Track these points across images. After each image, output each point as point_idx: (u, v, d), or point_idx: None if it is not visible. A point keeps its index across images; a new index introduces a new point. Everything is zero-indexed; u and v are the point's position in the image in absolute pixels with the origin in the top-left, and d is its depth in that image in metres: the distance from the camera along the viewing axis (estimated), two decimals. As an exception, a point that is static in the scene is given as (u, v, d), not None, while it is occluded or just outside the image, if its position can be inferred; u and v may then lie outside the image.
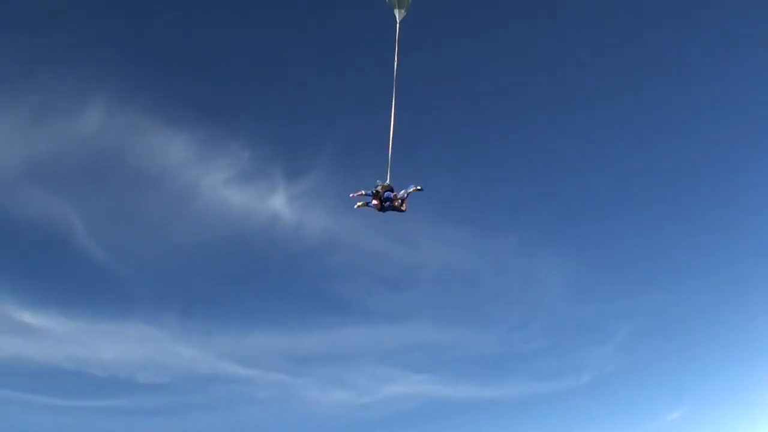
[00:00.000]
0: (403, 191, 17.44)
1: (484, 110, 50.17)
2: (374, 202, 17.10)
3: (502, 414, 43.59)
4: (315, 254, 45.15)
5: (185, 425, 40.76)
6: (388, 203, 17.24)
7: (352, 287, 46.39)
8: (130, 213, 43.99)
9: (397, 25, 17.52)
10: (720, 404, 42.42)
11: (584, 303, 47.42)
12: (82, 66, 41.49)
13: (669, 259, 48.33)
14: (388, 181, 17.45)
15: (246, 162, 43.33)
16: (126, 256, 43.30)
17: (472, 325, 46.09)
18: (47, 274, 42.81)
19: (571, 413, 43.52)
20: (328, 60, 46.90)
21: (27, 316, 39.23)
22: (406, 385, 43.23)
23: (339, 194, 47.39)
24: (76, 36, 42.48)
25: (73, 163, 42.09)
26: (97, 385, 39.55)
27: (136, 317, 42.30)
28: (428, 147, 49.85)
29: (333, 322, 44.82)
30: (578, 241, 49.54)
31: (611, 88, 49.52)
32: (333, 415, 42.37)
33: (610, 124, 49.43)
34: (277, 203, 43.56)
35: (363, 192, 17.30)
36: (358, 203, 17.35)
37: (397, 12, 17.49)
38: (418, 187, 17.57)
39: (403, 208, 17.36)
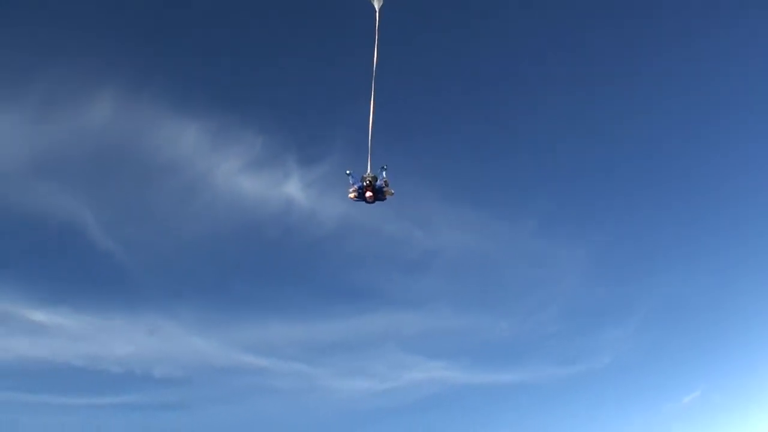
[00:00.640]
0: (381, 180, 18.02)
1: (503, 92, 50.00)
2: (368, 194, 17.69)
3: (521, 398, 43.62)
4: (331, 241, 44.81)
5: (203, 418, 40.96)
6: (379, 194, 17.86)
7: (369, 273, 46.42)
8: (142, 205, 43.81)
9: (377, 13, 17.78)
10: (735, 386, 42.55)
11: (602, 286, 47.47)
12: (89, 57, 41.01)
13: (686, 242, 48.28)
14: (369, 171, 18.01)
15: (259, 149, 42.85)
16: (138, 249, 43.17)
17: (490, 309, 46.14)
18: (58, 270, 42.74)
19: (588, 397, 43.66)
20: (340, 45, 46.28)
21: (38, 315, 39.15)
22: (425, 372, 43.19)
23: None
24: (82, 27, 41.92)
25: (83, 156, 41.75)
26: (112, 382, 39.50)
27: (151, 311, 42.25)
28: (447, 130, 50.16)
29: (350, 310, 44.83)
30: (596, 224, 49.55)
31: (629, 71, 49.10)
32: (352, 403, 42.31)
33: (630, 107, 49.22)
34: (291, 190, 43.16)
35: (356, 188, 17.87)
36: (352, 195, 18.06)
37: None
38: (384, 167, 18.17)
39: (391, 192, 17.99)
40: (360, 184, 17.86)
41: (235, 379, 41.98)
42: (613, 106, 49.40)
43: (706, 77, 47.01)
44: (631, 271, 47.58)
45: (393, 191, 18.09)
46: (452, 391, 43.35)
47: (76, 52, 40.96)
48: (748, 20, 44.96)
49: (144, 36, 43.91)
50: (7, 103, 39.50)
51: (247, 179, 42.70)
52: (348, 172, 18.74)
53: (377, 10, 17.84)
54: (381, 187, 17.91)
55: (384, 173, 18.16)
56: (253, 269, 46.04)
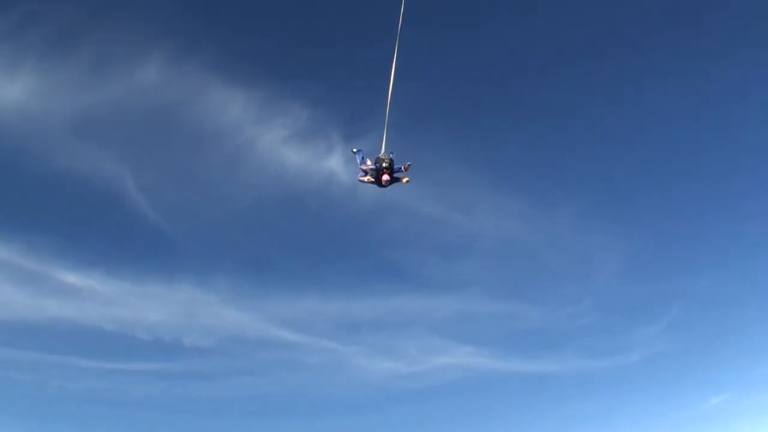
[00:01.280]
0: (398, 164, 16.68)
1: (551, 81, 48.85)
2: (384, 177, 16.33)
3: (549, 389, 43.02)
4: (369, 219, 44.12)
5: (230, 389, 40.69)
6: (395, 179, 16.63)
7: (405, 254, 45.60)
8: (184, 171, 43.50)
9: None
10: (764, 390, 41.94)
11: (636, 282, 46.32)
12: (139, 19, 40.37)
13: (721, 244, 47.49)
14: (383, 152, 16.73)
15: (304, 122, 42.25)
16: (177, 216, 42.90)
17: (523, 298, 45.24)
18: (95, 233, 42.94)
19: (615, 392, 43.12)
20: (389, 22, 45.67)
21: (71, 277, 38.92)
22: (455, 357, 42.55)
23: (397, 158, 47.64)
24: None
25: (128, 119, 41.39)
26: (141, 348, 39.39)
27: (186, 279, 41.96)
28: (491, 115, 49.49)
29: (385, 290, 44.09)
30: (633, 218, 48.31)
31: (667, 66, 48.19)
32: (381, 383, 41.82)
33: (668, 102, 47.63)
34: (333, 164, 42.47)
35: (372, 169, 16.51)
36: (363, 178, 16.76)
37: None
38: (392, 153, 16.75)
39: (406, 179, 16.72)
40: (377, 165, 16.44)
41: (265, 353, 41.70)
42: (653, 101, 48.67)
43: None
44: (666, 270, 46.53)
45: (409, 178, 16.72)
46: (479, 378, 42.71)
47: (126, 14, 40.71)
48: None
49: (194, 3, 43.72)
50: (57, 62, 39.43)
51: (291, 151, 42.29)
52: (354, 150, 17.50)
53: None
54: (399, 169, 16.64)
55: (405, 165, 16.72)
56: (291, 242, 45.64)
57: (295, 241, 45.52)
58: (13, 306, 37.61)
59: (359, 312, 43.33)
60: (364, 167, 16.76)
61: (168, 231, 42.33)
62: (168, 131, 42.47)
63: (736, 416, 40.12)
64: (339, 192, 42.24)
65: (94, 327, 38.98)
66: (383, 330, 43.78)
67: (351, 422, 40.66)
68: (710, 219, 47.77)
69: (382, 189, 16.71)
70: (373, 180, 16.57)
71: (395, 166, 16.39)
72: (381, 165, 16.40)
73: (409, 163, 16.59)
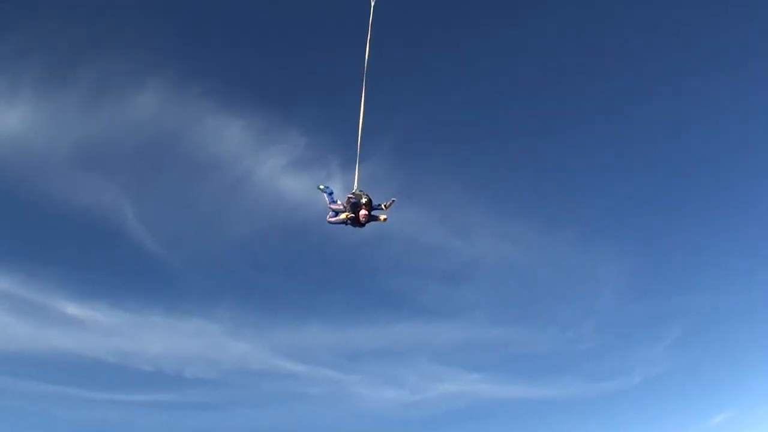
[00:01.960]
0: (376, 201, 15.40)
1: (542, 102, 49.56)
2: (363, 212, 14.97)
3: (553, 414, 42.72)
4: (370, 246, 43.69)
5: (234, 421, 40.35)
6: (373, 217, 15.29)
7: (406, 281, 45.45)
8: (183, 201, 43.53)
9: (372, 7, 16.27)
10: (765, 407, 42.13)
11: (638, 302, 46.37)
12: (137, 49, 40.70)
13: (720, 261, 47.80)
14: (357, 187, 15.53)
15: (303, 149, 42.26)
16: (178, 246, 42.91)
17: (525, 322, 45.16)
18: (95, 264, 42.72)
19: (619, 415, 42.94)
20: (387, 46, 46.03)
21: (72, 308, 38.83)
22: (458, 384, 42.28)
23: (396, 185, 44.56)
24: (131, 18, 41.92)
25: (126, 149, 41.62)
26: (143, 379, 39.08)
27: (187, 310, 41.86)
28: (485, 139, 49.74)
29: (386, 318, 43.97)
30: (633, 238, 48.44)
31: (665, 87, 48.89)
32: (384, 412, 41.44)
33: (666, 120, 48.41)
34: (333, 191, 42.36)
35: (342, 210, 15.23)
36: (333, 219, 15.40)
37: None
38: (393, 200, 15.53)
39: (384, 217, 15.33)
40: (354, 200, 15.11)
41: (267, 383, 41.34)
42: (651, 119, 49.10)
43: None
44: (666, 289, 46.84)
45: (387, 216, 15.28)
46: (483, 405, 42.36)
47: (123, 43, 41.02)
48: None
49: (192, 31, 43.93)
50: (54, 92, 39.36)
51: (290, 179, 42.25)
52: (321, 186, 16.14)
53: (372, 5, 16.22)
54: (378, 206, 15.27)
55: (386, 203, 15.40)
56: (292, 271, 45.45)
57: (295, 269, 45.35)
58: (14, 337, 37.51)
59: (361, 340, 43.22)
60: (334, 206, 15.60)
61: (169, 261, 42.34)
62: (166, 160, 42.69)
63: (741, 433, 40.31)
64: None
65: (96, 358, 38.80)
66: (385, 358, 43.59)
67: (355, 452, 40.20)
68: (708, 237, 48.13)
69: (357, 228, 15.27)
70: (345, 220, 15.18)
71: (374, 203, 15.26)
72: (359, 201, 15.20)
73: (393, 199, 15.50)
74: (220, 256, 43.63)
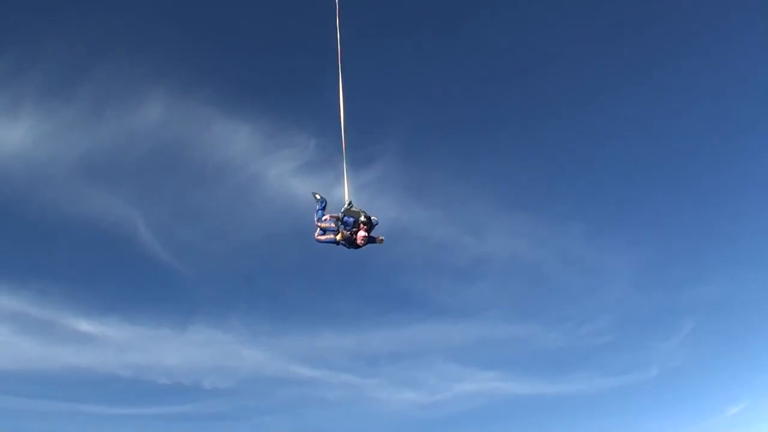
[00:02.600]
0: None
1: (551, 96, 48.21)
2: (361, 234, 13.46)
3: (571, 410, 42.42)
4: (381, 247, 43.44)
5: (253, 429, 39.93)
6: (371, 238, 13.78)
7: (419, 281, 44.77)
8: (193, 209, 42.83)
9: (337, 6, 15.73)
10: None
11: (653, 293, 45.27)
12: (140, 57, 39.99)
13: (735, 249, 46.67)
14: (348, 203, 14.06)
15: (312, 151, 41.60)
16: (190, 255, 42.37)
17: (540, 318, 44.28)
18: (106, 278, 42.31)
19: (637, 408, 42.75)
20: (392, 46, 45.39)
21: (85, 324, 38.49)
22: (475, 383, 41.73)
23: (406, 183, 44.05)
24: (131, 28, 41.04)
25: (134, 158, 41.00)
26: (160, 393, 38.65)
27: (201, 320, 41.33)
28: (492, 134, 48.82)
29: (400, 319, 43.27)
30: (645, 229, 47.29)
31: (676, 79, 47.53)
32: (403, 415, 41.07)
33: (677, 110, 47.07)
34: (343, 194, 41.90)
35: (333, 228, 13.83)
36: (322, 237, 13.95)
37: None
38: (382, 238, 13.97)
39: (382, 238, 13.87)
40: (348, 219, 13.62)
41: (285, 390, 40.85)
42: (667, 112, 47.85)
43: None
44: (681, 279, 46.19)
45: (384, 237, 13.85)
46: (503, 403, 41.95)
47: (126, 52, 40.26)
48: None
49: (194, 37, 43.30)
50: (57, 104, 38.67)
51: (300, 182, 41.68)
52: (318, 196, 14.66)
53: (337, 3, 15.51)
54: (376, 224, 13.69)
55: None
56: (304, 276, 44.72)
57: (308, 274, 44.69)
58: (26, 356, 37.11)
59: (376, 343, 42.61)
60: (322, 224, 14.04)
61: (181, 271, 41.84)
62: (175, 169, 42.08)
63: (755, 424, 40.27)
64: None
65: (111, 374, 38.35)
66: (401, 360, 43.04)
67: (375, 456, 40.20)
68: (721, 227, 47.68)
69: (350, 250, 13.69)
70: (337, 239, 13.67)
71: (374, 221, 13.70)
72: (357, 219, 13.58)
73: (382, 238, 13.87)
74: (232, 264, 43.07)
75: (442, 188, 45.67)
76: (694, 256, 46.87)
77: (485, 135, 48.85)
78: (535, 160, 48.21)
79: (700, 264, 46.83)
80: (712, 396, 42.04)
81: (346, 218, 13.81)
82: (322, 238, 13.95)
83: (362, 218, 13.51)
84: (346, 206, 14.08)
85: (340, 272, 44.82)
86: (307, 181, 41.35)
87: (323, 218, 14.22)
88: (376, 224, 13.77)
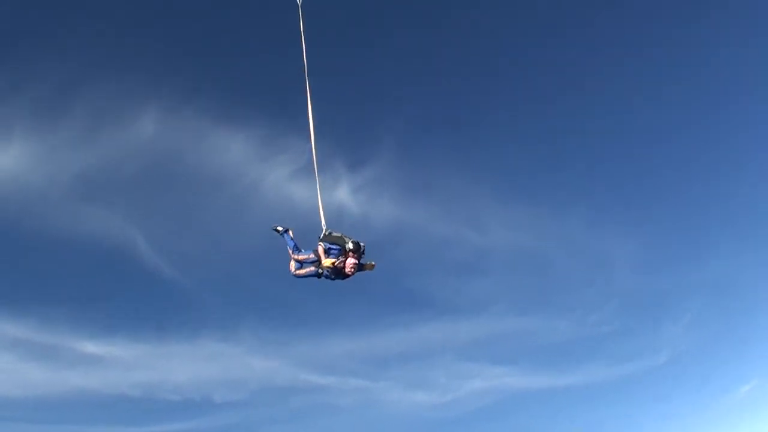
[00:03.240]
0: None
1: (545, 87, 48.20)
2: (351, 262, 12.30)
3: (584, 401, 42.26)
4: (383, 248, 42.56)
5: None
6: (360, 265, 12.51)
7: (423, 279, 44.12)
8: (193, 221, 42.18)
9: (299, 9, 15.29)
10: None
11: (658, 276, 45.19)
12: (131, 73, 39.53)
13: (736, 227, 46.15)
14: (326, 229, 12.83)
15: (308, 155, 40.95)
16: (193, 268, 41.58)
17: (546, 310, 44.09)
18: (109, 297, 41.48)
19: (650, 395, 42.81)
20: (383, 47, 44.98)
21: (90, 346, 37.99)
22: (486, 380, 41.35)
23: (402, 182, 43.76)
24: (120, 45, 40.66)
25: (129, 175, 40.45)
26: (171, 410, 38.06)
27: (208, 333, 40.79)
28: (489, 125, 48.38)
29: (407, 319, 42.73)
30: (645, 212, 47.14)
31: (675, 61, 47.19)
32: (417, 416, 40.61)
33: (678, 92, 46.85)
34: (341, 195, 41.58)
35: (315, 259, 12.50)
36: (300, 271, 12.72)
37: None
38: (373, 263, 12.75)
39: (373, 263, 12.71)
40: (333, 246, 12.37)
41: (296, 399, 40.33)
42: (667, 93, 47.46)
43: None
44: (684, 260, 46.38)
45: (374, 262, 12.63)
46: (514, 398, 41.47)
47: (118, 68, 39.75)
48: None
49: (183, 50, 42.65)
50: (49, 124, 38.17)
51: (298, 187, 41.31)
52: (279, 228, 13.34)
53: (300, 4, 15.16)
54: (363, 250, 12.45)
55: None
56: (308, 282, 44.67)
57: (311, 280, 44.38)
58: (33, 382, 36.65)
59: (384, 345, 42.07)
60: (299, 257, 12.77)
61: (185, 285, 41.24)
62: (172, 182, 41.51)
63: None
64: (350, 223, 41.30)
65: (120, 394, 37.83)
66: (411, 361, 42.48)
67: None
68: (722, 204, 47.58)
69: (335, 282, 12.39)
70: (319, 271, 12.37)
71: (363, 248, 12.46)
72: (343, 245, 12.34)
73: (373, 263, 12.70)
74: (235, 274, 42.36)
75: (440, 183, 45.45)
76: (696, 236, 46.79)
77: (480, 127, 48.47)
78: (532, 149, 47.95)
79: (703, 243, 46.74)
80: (723, 376, 42.14)
81: (329, 247, 12.48)
82: (301, 272, 12.61)
83: (350, 245, 12.23)
84: (324, 233, 12.83)
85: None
86: (305, 186, 41.06)
87: (301, 251, 12.86)
88: (364, 251, 12.51)
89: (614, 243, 46.04)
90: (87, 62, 39.44)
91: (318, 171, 13.23)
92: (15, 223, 37.44)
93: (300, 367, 40.90)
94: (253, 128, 41.76)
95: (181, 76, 41.79)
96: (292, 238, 13.17)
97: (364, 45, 45.27)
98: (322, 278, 12.45)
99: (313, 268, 12.54)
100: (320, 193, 13.15)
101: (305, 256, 12.70)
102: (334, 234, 12.61)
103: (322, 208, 13.12)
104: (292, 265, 12.85)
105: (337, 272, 12.32)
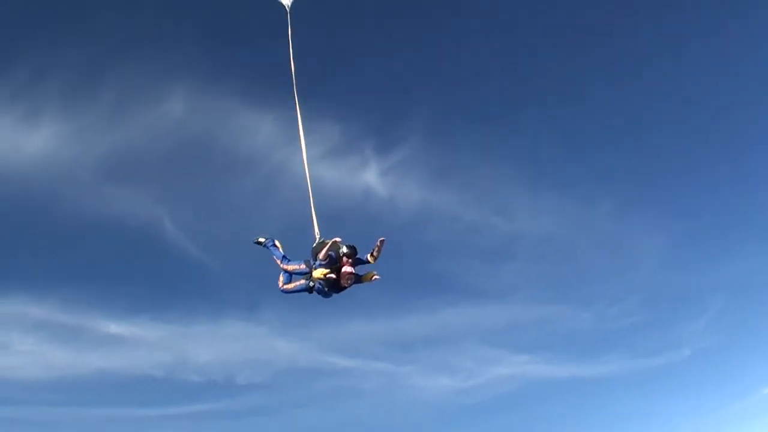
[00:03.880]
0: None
1: (577, 73, 47.57)
2: (347, 270, 11.21)
3: (605, 392, 42.52)
4: (410, 231, 42.43)
5: (289, 422, 39.94)
6: (359, 276, 11.37)
7: (449, 263, 44.22)
8: (220, 201, 42.43)
9: (288, 14, 15.10)
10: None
11: (681, 273, 44.68)
12: (158, 55, 39.30)
13: (763, 224, 46.60)
14: (320, 236, 11.79)
15: (337, 137, 40.78)
16: (218, 249, 41.62)
17: (570, 299, 43.91)
18: (134, 277, 41.89)
19: (670, 390, 42.73)
20: (414, 29, 44.17)
21: (114, 327, 38.44)
22: (509, 366, 41.45)
23: (431, 166, 44.18)
24: (147, 26, 40.31)
25: (158, 155, 40.79)
26: (194, 391, 38.84)
27: (232, 314, 40.97)
28: (519, 112, 48.05)
29: (432, 303, 42.85)
30: (672, 207, 46.61)
31: (702, 50, 46.48)
32: (441, 401, 40.87)
33: (706, 83, 46.08)
34: (369, 178, 41.31)
35: (305, 270, 11.45)
36: (289, 285, 11.76)
37: None
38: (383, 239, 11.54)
39: (375, 275, 11.53)
40: (327, 256, 11.15)
41: (319, 382, 40.94)
42: (696, 84, 46.70)
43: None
44: (709, 257, 45.84)
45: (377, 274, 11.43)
46: (536, 386, 41.82)
47: (145, 48, 39.76)
48: None
49: (211, 30, 41.96)
50: (77, 106, 37.97)
51: (326, 169, 40.87)
52: (261, 240, 12.25)
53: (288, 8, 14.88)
54: (363, 261, 11.33)
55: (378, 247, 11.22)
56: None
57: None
58: (57, 364, 37.42)
59: (409, 329, 42.11)
60: (287, 267, 11.75)
61: (210, 266, 41.54)
62: (200, 163, 41.55)
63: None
64: (377, 206, 41.27)
65: (144, 375, 38.56)
66: (435, 345, 42.69)
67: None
68: (748, 201, 46.88)
69: (328, 298, 11.22)
70: (310, 285, 11.26)
71: (359, 254, 11.23)
72: (337, 251, 11.13)
73: (382, 239, 11.32)
74: (261, 255, 42.48)
75: (468, 169, 45.13)
76: (721, 233, 46.06)
77: (511, 114, 48.00)
78: (563, 138, 47.37)
79: (728, 240, 46.03)
80: (745, 375, 41.71)
81: (327, 258, 11.21)
82: (290, 286, 11.66)
83: (343, 250, 11.03)
84: (318, 241, 11.84)
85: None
86: (333, 167, 40.95)
87: (290, 262, 11.85)
88: (382, 244, 11.51)
89: (640, 236, 45.70)
90: (115, 43, 39.54)
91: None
92: (43, 203, 37.92)
93: (324, 350, 41.20)
94: (283, 109, 41.09)
95: (209, 56, 41.56)
96: (279, 249, 12.30)
97: (398, 31, 44.46)
98: (314, 293, 11.40)
99: (303, 281, 11.51)
100: (311, 196, 12.58)
101: (295, 266, 11.81)
102: (327, 240, 11.45)
103: (314, 212, 12.35)
104: (281, 278, 11.91)
105: (331, 284, 11.26)
